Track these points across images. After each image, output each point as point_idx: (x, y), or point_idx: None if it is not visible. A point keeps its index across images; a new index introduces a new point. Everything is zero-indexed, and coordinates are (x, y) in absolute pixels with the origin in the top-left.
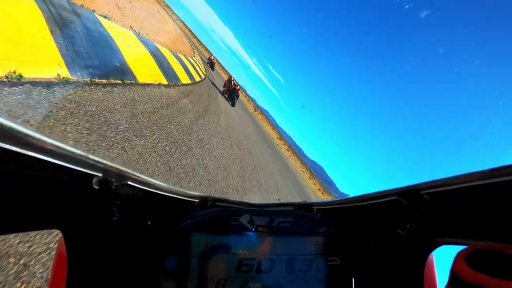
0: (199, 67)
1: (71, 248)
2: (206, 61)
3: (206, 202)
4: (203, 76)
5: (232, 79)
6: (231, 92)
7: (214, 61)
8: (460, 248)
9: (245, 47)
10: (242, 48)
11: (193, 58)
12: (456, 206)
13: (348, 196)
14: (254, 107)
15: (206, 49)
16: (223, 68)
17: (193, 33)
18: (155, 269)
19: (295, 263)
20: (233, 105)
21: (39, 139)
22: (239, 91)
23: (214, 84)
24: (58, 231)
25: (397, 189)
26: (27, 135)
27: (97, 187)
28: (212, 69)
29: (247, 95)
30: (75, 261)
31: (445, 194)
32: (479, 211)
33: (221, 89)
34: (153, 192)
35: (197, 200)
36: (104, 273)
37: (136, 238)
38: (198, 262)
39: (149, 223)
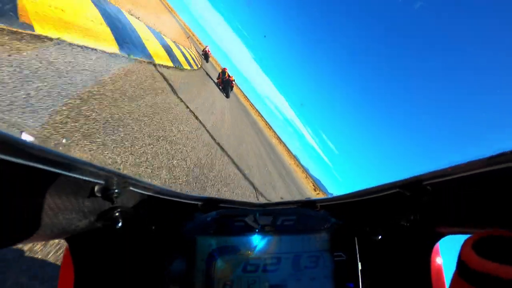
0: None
1: (77, 257)
2: (201, 52)
3: (209, 204)
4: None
5: (226, 70)
6: (225, 83)
7: (209, 53)
8: (466, 236)
9: (300, 116)
10: (297, 118)
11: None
12: (459, 195)
13: (351, 192)
14: (313, 186)
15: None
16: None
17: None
18: (161, 274)
19: (301, 261)
20: (227, 96)
21: (39, 150)
22: (234, 82)
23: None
24: (63, 241)
25: (399, 181)
26: (27, 146)
27: (99, 195)
28: (207, 61)
29: (301, 166)
30: (82, 269)
31: (448, 183)
32: (483, 199)
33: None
34: (156, 196)
35: (200, 203)
36: (111, 280)
37: (140, 244)
38: (204, 264)
39: (153, 228)
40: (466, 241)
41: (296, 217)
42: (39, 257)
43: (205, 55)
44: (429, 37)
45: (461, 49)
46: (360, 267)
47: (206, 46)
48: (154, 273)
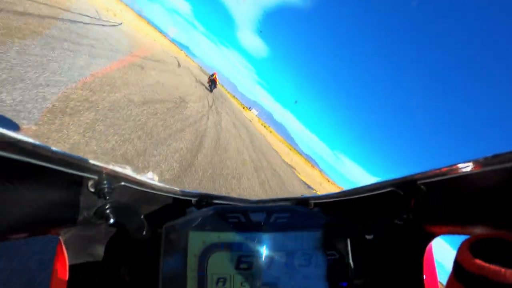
0: None
1: (70, 252)
2: (208, 79)
3: (202, 200)
4: None
5: (215, 74)
6: (212, 82)
7: (216, 79)
8: (462, 237)
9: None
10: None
11: None
12: (454, 195)
13: (345, 189)
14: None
15: None
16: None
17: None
18: (154, 270)
19: (294, 259)
20: (210, 91)
21: (33, 145)
22: (217, 83)
23: None
24: (57, 236)
25: (393, 180)
26: (20, 141)
27: (93, 190)
28: (215, 87)
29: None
30: (75, 264)
31: (442, 183)
32: (477, 200)
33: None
34: (149, 192)
35: (193, 199)
36: (103, 275)
37: (133, 239)
38: (197, 261)
39: (146, 223)
40: (463, 243)
41: (289, 215)
42: None
43: (212, 82)
44: (427, 35)
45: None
46: (353, 266)
47: (214, 73)
48: (146, 268)
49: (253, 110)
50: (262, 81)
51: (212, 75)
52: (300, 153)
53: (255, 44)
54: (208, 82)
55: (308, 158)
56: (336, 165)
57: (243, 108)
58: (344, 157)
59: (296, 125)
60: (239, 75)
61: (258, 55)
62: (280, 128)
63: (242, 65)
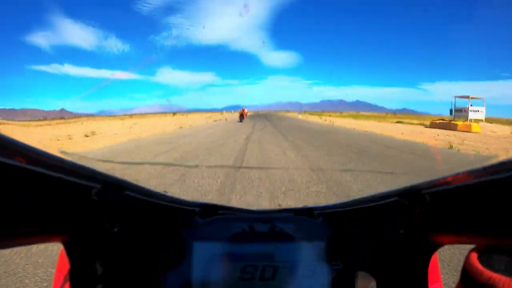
0: None
1: (72, 261)
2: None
3: (206, 210)
4: None
5: (244, 109)
6: (241, 115)
7: (244, 113)
8: (470, 246)
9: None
10: None
11: None
12: (458, 204)
13: (350, 199)
14: None
15: None
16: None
17: None
18: (157, 281)
19: (298, 269)
20: (240, 121)
21: (37, 153)
22: (245, 115)
23: None
24: (59, 244)
25: (398, 190)
26: (24, 149)
27: (96, 198)
28: (243, 118)
29: None
30: (77, 273)
31: (447, 192)
32: (482, 208)
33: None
34: (153, 202)
35: (197, 209)
36: (106, 285)
37: (136, 249)
38: (201, 271)
39: (149, 233)
40: (471, 252)
41: (293, 225)
42: None
43: (241, 115)
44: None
45: None
46: (357, 277)
47: (243, 108)
48: (150, 279)
49: None
50: (315, 80)
51: (242, 110)
52: (389, 112)
53: (283, 57)
54: (239, 116)
55: (401, 111)
56: (426, 98)
57: None
58: (428, 85)
59: (367, 92)
60: (293, 91)
61: (295, 63)
62: (358, 106)
63: (289, 82)
